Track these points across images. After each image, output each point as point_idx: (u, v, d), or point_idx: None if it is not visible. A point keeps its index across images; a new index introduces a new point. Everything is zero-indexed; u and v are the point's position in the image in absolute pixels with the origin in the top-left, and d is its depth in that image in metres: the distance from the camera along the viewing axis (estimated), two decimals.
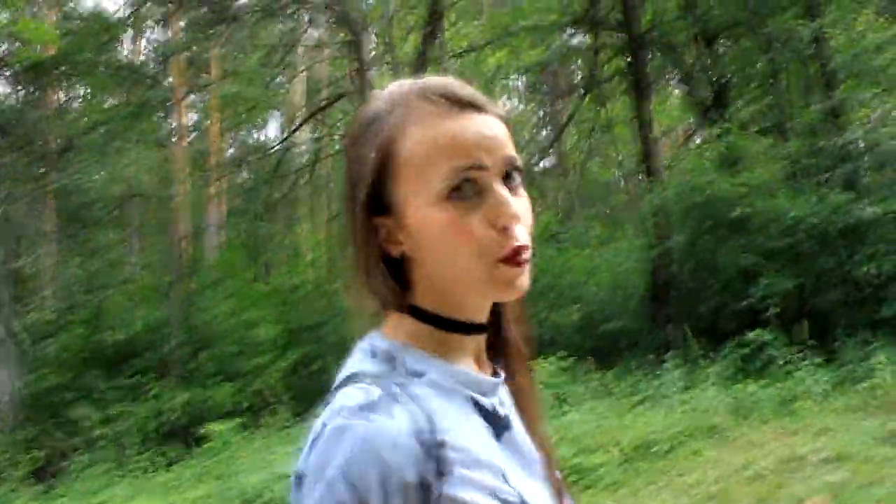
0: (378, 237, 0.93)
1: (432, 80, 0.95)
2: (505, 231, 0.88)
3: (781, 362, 9.04)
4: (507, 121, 0.95)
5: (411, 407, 0.85)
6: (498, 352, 1.03)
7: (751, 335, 9.30)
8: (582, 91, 15.21)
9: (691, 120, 16.34)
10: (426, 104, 0.91)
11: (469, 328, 0.95)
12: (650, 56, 13.45)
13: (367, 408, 0.83)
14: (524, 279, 0.91)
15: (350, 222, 0.94)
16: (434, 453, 0.83)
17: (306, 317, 12.80)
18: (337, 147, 14.38)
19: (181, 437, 11.29)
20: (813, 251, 9.91)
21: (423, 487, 0.82)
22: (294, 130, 14.31)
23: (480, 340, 0.99)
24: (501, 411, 0.96)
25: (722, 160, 10.81)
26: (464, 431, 0.88)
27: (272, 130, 21.33)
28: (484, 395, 0.95)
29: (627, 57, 13.47)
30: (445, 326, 0.94)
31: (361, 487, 0.79)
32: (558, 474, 1.02)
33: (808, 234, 9.81)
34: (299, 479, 0.84)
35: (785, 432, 7.50)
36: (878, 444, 6.74)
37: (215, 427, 10.13)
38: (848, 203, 9.61)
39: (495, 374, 1.00)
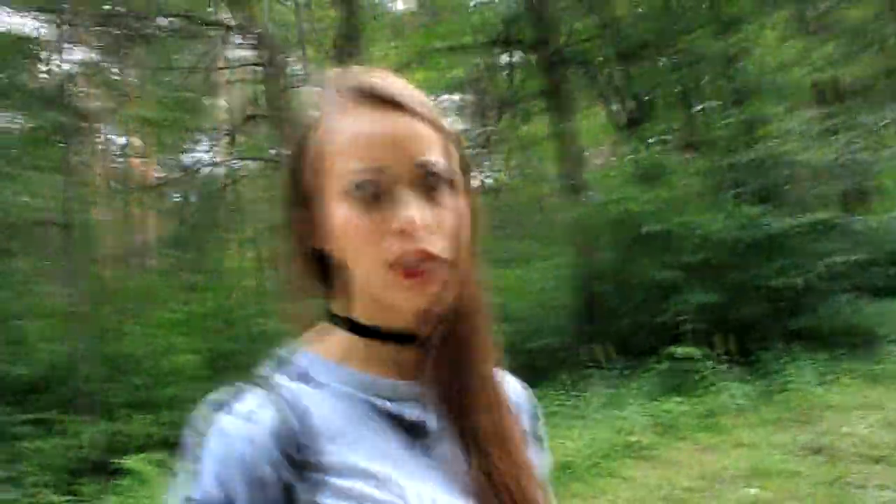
0: (297, 230, 0.93)
1: (357, 74, 0.92)
2: (399, 235, 0.85)
3: (701, 377, 9.08)
4: (439, 125, 0.91)
5: (278, 408, 0.85)
6: (446, 364, 0.96)
7: (671, 350, 9.31)
8: (498, 111, 15.22)
9: (615, 137, 16.53)
10: (344, 99, 0.89)
11: (384, 336, 0.93)
12: (567, 74, 13.52)
13: (217, 407, 0.86)
14: (421, 292, 0.87)
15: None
16: (296, 456, 0.83)
17: (229, 343, 12.42)
18: (253, 167, 14.13)
19: (96, 472, 10.78)
20: (728, 265, 10.03)
21: (285, 489, 0.82)
22: (209, 151, 13.98)
23: (408, 352, 0.94)
24: (416, 419, 0.93)
25: (641, 176, 10.89)
26: (348, 436, 0.87)
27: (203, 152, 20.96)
28: (392, 400, 0.92)
29: (545, 76, 13.52)
30: (358, 332, 0.93)
31: (227, 485, 0.82)
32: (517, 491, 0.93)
33: (722, 248, 9.93)
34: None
35: (703, 448, 7.50)
36: (791, 458, 6.78)
37: (131, 463, 9.67)
38: (758, 217, 9.77)
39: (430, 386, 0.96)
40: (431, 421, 0.94)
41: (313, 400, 0.88)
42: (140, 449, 10.95)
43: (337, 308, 0.95)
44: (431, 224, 0.87)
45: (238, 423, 0.84)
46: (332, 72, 0.94)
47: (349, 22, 12.12)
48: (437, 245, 0.87)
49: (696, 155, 11.47)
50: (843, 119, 11.18)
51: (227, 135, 13.86)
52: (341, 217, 0.87)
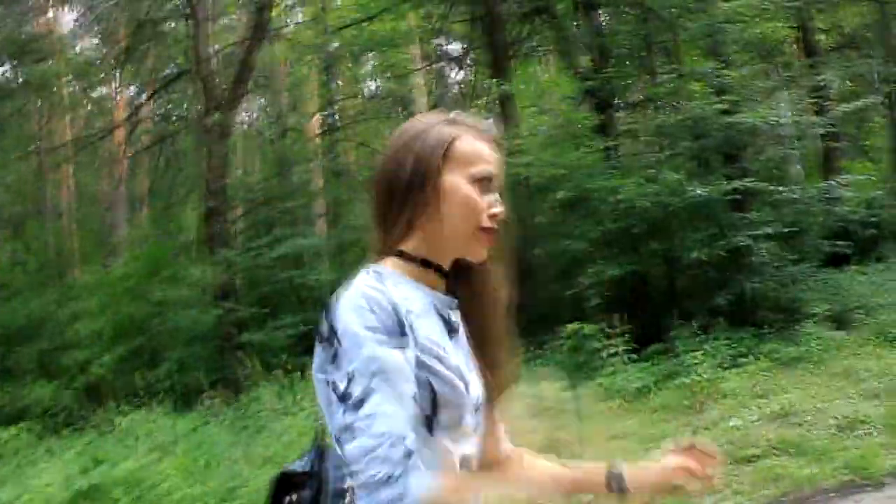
0: (415, 193, 1.36)
1: (471, 118, 1.46)
2: (493, 217, 1.37)
3: (601, 357, 8.44)
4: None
5: (395, 291, 1.28)
6: (462, 296, 1.44)
7: (574, 328, 8.67)
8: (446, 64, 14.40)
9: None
10: (472, 129, 1.41)
11: (436, 269, 1.39)
12: (501, 27, 12.63)
13: (369, 284, 1.26)
14: (487, 249, 1.40)
15: (397, 181, 1.37)
16: (405, 321, 1.26)
17: (137, 308, 11.91)
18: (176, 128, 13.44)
19: None
20: (647, 235, 9.30)
21: (408, 333, 1.26)
22: (136, 111, 13.26)
23: (442, 280, 1.41)
24: (454, 320, 1.40)
25: (561, 138, 10.13)
26: (424, 318, 1.32)
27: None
28: (441, 305, 1.39)
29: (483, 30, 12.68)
30: (423, 265, 1.38)
31: (381, 313, 1.22)
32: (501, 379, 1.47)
33: (640, 217, 9.19)
34: (322, 335, 1.25)
35: (572, 440, 6.87)
36: (651, 458, 6.15)
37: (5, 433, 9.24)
38: (680, 183, 8.99)
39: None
40: (459, 322, 1.42)
41: (405, 296, 1.30)
42: (45, 415, 10.57)
43: (406, 247, 1.38)
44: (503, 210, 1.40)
45: (380, 287, 1.26)
46: (455, 114, 1.45)
47: None
48: (499, 227, 1.40)
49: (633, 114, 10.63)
50: (788, 77, 10.28)
51: (152, 94, 13.15)
52: (468, 190, 1.36)
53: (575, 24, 13.57)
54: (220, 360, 11.00)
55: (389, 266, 1.36)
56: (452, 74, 14.66)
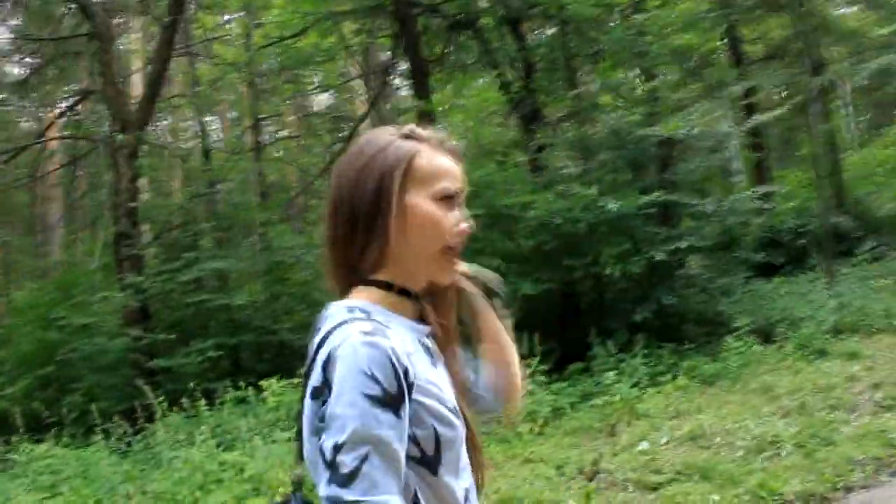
0: (387, 218, 1.31)
1: (432, 131, 1.41)
2: (460, 234, 1.35)
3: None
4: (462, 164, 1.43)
5: (393, 335, 1.23)
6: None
7: None
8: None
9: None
10: (433, 142, 1.38)
11: (410, 295, 1.36)
12: (419, 43, 12.35)
13: (370, 334, 1.19)
14: (454, 270, 1.40)
15: (354, 208, 1.33)
16: (412, 367, 1.22)
17: (44, 336, 11.33)
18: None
19: None
20: (560, 251, 9.01)
21: (410, 386, 1.20)
22: (45, 131, 12.66)
23: (418, 307, 1.38)
24: (434, 348, 1.38)
25: (482, 154, 9.82)
26: (417, 358, 1.27)
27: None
28: (423, 336, 1.36)
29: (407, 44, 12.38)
30: (399, 294, 1.34)
31: (383, 381, 1.16)
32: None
33: (556, 232, 8.90)
34: (318, 390, 1.20)
35: (492, 464, 6.51)
36: (556, 485, 5.84)
37: None
38: (595, 198, 8.71)
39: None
40: (436, 350, 1.39)
41: (397, 335, 1.25)
42: None
43: (381, 276, 1.33)
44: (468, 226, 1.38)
45: (388, 342, 1.19)
46: (415, 128, 1.40)
47: None
48: (462, 244, 1.37)
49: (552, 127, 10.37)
50: (703, 88, 10.11)
51: (61, 113, 12.58)
52: (431, 209, 1.31)
53: (499, 38, 13.38)
54: (128, 388, 10.46)
55: (368, 300, 1.32)
56: (379, 89, 14.31)
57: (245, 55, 15.62)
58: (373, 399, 1.14)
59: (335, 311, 1.28)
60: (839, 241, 14.26)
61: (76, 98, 12.29)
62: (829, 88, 15.55)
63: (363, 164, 1.33)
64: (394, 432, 1.16)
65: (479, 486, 1.42)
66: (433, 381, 1.27)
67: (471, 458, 1.38)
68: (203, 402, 9.02)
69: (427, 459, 1.24)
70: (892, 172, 18.82)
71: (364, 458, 1.13)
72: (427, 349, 1.34)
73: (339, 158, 1.43)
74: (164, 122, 14.79)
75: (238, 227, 13.00)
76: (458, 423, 1.29)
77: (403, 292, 1.34)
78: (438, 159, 1.35)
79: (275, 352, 11.64)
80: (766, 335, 9.36)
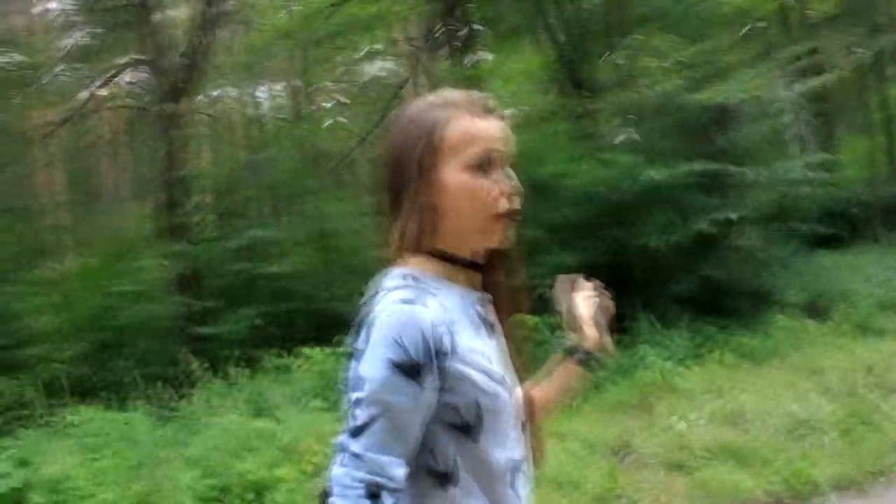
0: (416, 191, 1.30)
1: (466, 93, 1.37)
2: (508, 197, 1.31)
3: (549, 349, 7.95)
4: (509, 125, 1.38)
5: (435, 304, 1.24)
6: (490, 287, 1.40)
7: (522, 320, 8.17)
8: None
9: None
10: (466, 108, 1.33)
11: (467, 264, 1.35)
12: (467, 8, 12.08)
13: (409, 301, 1.22)
14: (508, 234, 1.35)
15: (392, 181, 1.34)
16: (450, 336, 1.22)
17: (94, 303, 11.57)
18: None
19: None
20: (604, 222, 8.78)
21: (443, 355, 1.21)
22: (88, 100, 12.81)
23: (475, 274, 1.37)
24: (492, 319, 1.38)
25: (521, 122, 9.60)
26: (464, 326, 1.28)
27: None
28: (478, 304, 1.35)
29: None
30: (451, 261, 1.34)
31: (410, 348, 1.18)
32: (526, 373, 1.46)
33: (597, 202, 8.67)
34: (359, 353, 1.22)
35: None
36: (583, 462, 5.70)
37: None
38: (636, 167, 8.44)
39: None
40: (494, 319, 1.39)
41: (445, 302, 1.27)
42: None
43: (428, 244, 1.32)
44: (516, 189, 1.33)
45: (427, 311, 1.21)
46: (448, 92, 1.37)
47: None
48: (517, 203, 1.33)
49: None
50: (757, 51, 9.66)
51: (105, 82, 12.72)
52: (466, 180, 1.28)
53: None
54: (175, 354, 10.67)
55: (420, 267, 1.33)
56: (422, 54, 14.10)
57: (293, 22, 15.59)
58: (396, 365, 1.18)
59: (389, 278, 1.30)
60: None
61: (121, 67, 12.42)
62: (888, 52, 14.74)
63: (395, 139, 1.35)
64: (410, 401, 1.19)
65: (538, 459, 1.45)
66: (479, 349, 1.27)
67: (526, 428, 1.40)
68: (245, 369, 9.14)
69: (467, 427, 1.26)
70: None
71: (375, 418, 1.19)
72: (480, 317, 1.34)
73: (385, 129, 1.43)
74: (216, 92, 14.88)
75: (286, 195, 13.03)
76: (504, 393, 1.29)
77: (454, 260, 1.33)
78: (472, 124, 1.31)
79: (321, 320, 11.69)
80: (817, 310, 9.00)
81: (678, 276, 8.73)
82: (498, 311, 1.41)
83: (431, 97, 1.38)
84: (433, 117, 1.31)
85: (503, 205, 1.30)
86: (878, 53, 12.91)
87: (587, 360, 1.68)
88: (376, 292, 1.28)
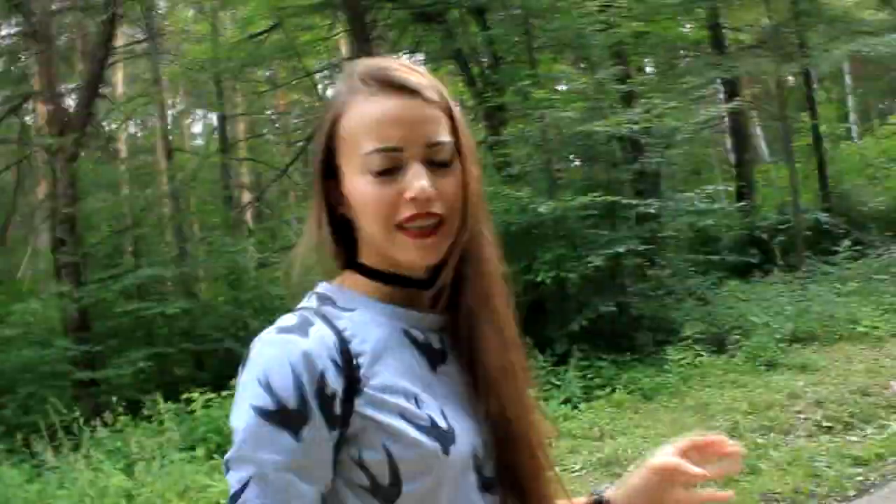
0: (328, 198, 1.06)
1: (375, 61, 1.04)
2: (411, 202, 0.98)
3: None
4: (446, 105, 1.04)
5: (325, 331, 0.96)
6: (455, 306, 1.07)
7: None
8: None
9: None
10: (363, 85, 1.01)
11: (406, 282, 1.05)
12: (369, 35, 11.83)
13: (284, 330, 0.96)
14: (423, 248, 1.00)
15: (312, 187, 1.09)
16: (346, 371, 0.94)
17: None
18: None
19: None
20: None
21: (330, 397, 0.92)
22: None
23: (418, 292, 1.06)
24: (436, 345, 1.06)
25: None
26: (387, 358, 0.99)
27: None
28: (416, 328, 1.05)
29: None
30: (384, 280, 1.06)
31: (279, 391, 0.91)
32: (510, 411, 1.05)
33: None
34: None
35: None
36: None
37: None
38: (526, 199, 8.17)
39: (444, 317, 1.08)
40: (448, 349, 1.07)
41: (358, 326, 1.00)
42: None
43: (363, 259, 1.06)
44: (438, 192, 0.99)
45: (303, 341, 0.94)
46: (358, 62, 1.05)
47: None
48: (442, 208, 1.00)
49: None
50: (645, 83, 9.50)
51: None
52: (360, 190, 1.00)
53: (463, 31, 12.84)
54: (61, 400, 10.12)
55: (347, 283, 1.09)
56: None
57: (211, 52, 15.27)
58: (263, 413, 0.92)
59: (305, 298, 1.08)
60: (821, 238, 13.61)
61: (16, 101, 11.91)
62: (804, 76, 14.84)
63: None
64: (286, 456, 0.92)
65: None
66: (402, 388, 0.99)
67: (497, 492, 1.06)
68: (128, 415, 8.69)
69: (380, 490, 0.97)
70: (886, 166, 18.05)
71: (246, 483, 0.93)
72: (423, 347, 1.05)
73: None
74: (113, 125, 14.42)
75: (182, 231, 12.58)
76: (434, 444, 0.97)
77: (383, 276, 1.07)
78: (367, 110, 1.00)
79: (218, 361, 11.22)
80: (718, 343, 8.76)
81: (571, 311, 8.44)
82: (458, 336, 1.07)
83: (349, 66, 1.09)
84: (336, 104, 1.04)
85: (403, 213, 0.99)
86: (801, 76, 12.90)
87: None
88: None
